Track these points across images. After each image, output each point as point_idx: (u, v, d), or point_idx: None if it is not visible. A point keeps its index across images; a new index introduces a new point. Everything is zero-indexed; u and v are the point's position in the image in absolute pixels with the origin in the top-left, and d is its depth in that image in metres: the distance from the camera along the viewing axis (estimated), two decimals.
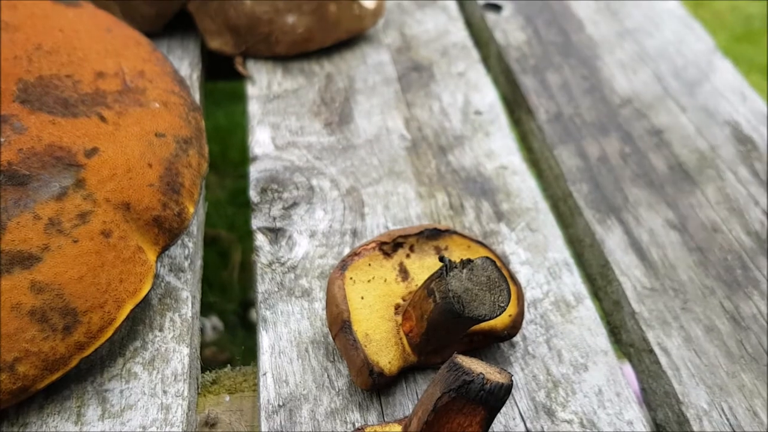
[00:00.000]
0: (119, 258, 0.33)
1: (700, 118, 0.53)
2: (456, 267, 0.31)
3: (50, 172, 0.33)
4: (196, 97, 0.50)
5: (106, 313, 0.32)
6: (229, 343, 0.95)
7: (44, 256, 0.31)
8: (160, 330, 0.37)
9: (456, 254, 0.36)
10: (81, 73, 0.38)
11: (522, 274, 0.41)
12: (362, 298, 0.34)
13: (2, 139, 0.34)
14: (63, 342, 0.31)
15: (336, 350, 0.37)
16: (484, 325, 0.35)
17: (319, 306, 0.39)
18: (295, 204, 0.44)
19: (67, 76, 0.37)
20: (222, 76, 0.59)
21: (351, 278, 0.35)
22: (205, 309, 0.40)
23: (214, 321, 0.97)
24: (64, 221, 0.32)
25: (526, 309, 0.39)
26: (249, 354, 0.39)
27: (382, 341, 0.34)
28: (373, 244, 0.35)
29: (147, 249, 0.35)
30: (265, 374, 0.35)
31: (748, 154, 0.50)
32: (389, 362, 0.34)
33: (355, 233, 0.43)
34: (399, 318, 0.34)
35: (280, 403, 0.34)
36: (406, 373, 0.36)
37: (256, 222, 0.43)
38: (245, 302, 1.01)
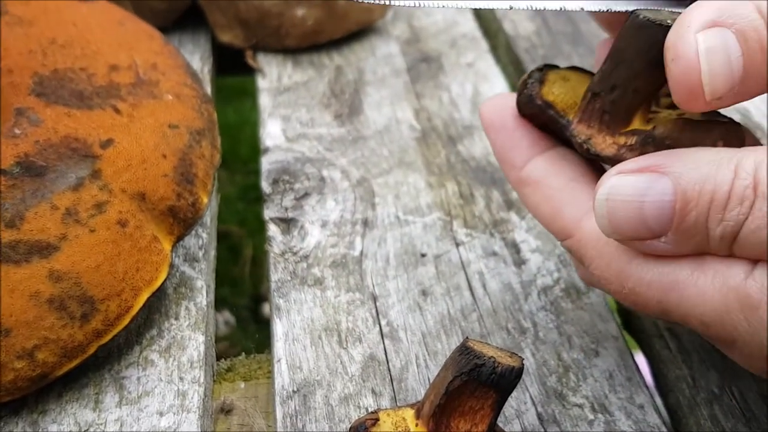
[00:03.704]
0: (135, 247, 0.33)
1: None
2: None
3: (66, 164, 0.33)
4: (208, 90, 0.51)
5: (123, 301, 0.33)
6: (241, 337, 0.95)
7: (62, 245, 0.32)
8: (176, 318, 0.37)
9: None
10: (95, 66, 0.38)
11: (532, 261, 0.41)
12: None
13: (19, 132, 0.34)
14: (81, 329, 0.32)
15: (348, 337, 0.37)
16: None
17: (331, 294, 0.39)
18: (306, 194, 0.45)
19: (82, 69, 0.38)
20: (232, 71, 0.60)
21: None
22: (217, 304, 0.40)
23: (226, 316, 0.97)
24: (81, 211, 0.33)
25: (536, 296, 0.40)
26: (261, 346, 0.40)
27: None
28: None
29: (162, 239, 0.35)
30: (279, 361, 0.36)
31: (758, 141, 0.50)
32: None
33: (366, 223, 0.43)
34: None
35: (295, 389, 0.35)
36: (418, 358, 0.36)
37: (269, 212, 0.44)
38: (257, 297, 1.02)
